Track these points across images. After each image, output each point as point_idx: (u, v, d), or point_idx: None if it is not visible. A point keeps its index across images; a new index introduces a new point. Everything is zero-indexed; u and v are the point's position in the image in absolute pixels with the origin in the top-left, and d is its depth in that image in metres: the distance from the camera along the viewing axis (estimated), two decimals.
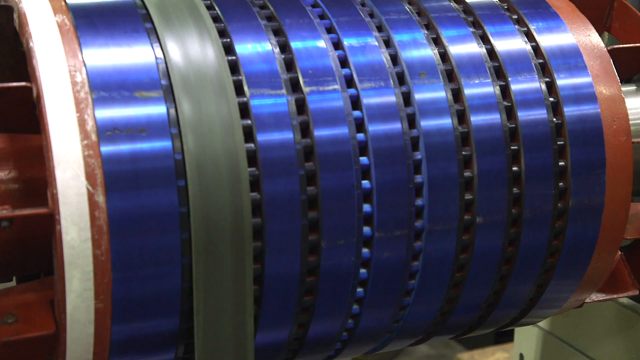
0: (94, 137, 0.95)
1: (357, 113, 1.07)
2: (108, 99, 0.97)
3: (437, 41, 1.16)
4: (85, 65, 0.98)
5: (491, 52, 1.18)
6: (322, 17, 1.14)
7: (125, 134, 0.96)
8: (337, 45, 1.11)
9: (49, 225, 0.95)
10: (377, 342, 1.22)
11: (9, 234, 1.00)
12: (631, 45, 1.31)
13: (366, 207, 1.07)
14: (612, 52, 1.25)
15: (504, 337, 3.83)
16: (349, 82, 1.09)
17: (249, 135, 1.01)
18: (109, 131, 0.96)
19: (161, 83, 0.99)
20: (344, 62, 1.10)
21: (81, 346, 0.97)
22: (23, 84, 0.97)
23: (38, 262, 1.05)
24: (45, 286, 1.01)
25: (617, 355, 1.65)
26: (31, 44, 0.98)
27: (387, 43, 1.14)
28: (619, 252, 1.34)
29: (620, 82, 1.23)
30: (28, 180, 1.02)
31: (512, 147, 1.14)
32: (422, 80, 1.11)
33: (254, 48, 1.06)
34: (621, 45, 1.30)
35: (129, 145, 0.96)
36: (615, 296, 1.36)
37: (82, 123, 0.95)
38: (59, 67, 0.97)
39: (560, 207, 1.18)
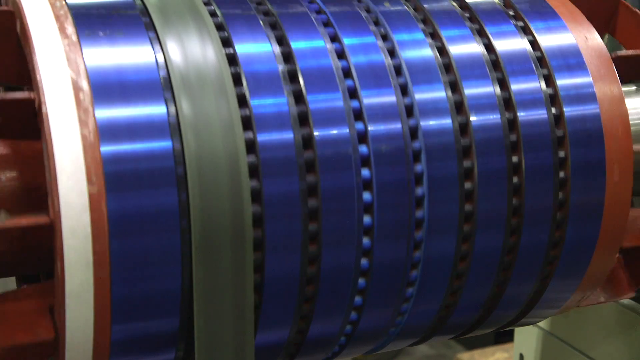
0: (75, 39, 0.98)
1: (356, 113, 1.07)
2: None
3: (436, 41, 1.16)
4: (72, 12, 1.01)
5: (491, 52, 1.18)
6: (322, 16, 1.14)
7: (105, 37, 1.00)
8: (337, 45, 1.11)
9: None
10: (378, 340, 1.22)
11: None
12: (636, 52, 1.30)
13: (366, 205, 1.07)
14: (616, 60, 1.24)
15: (504, 337, 3.83)
16: (349, 81, 1.09)
17: (249, 134, 1.01)
18: (88, 31, 0.99)
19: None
20: (343, 62, 1.10)
21: (78, 240, 0.94)
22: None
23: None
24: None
25: (617, 355, 1.65)
26: (25, 20, 0.99)
27: (387, 43, 1.14)
28: (617, 255, 1.34)
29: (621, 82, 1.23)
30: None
31: (512, 147, 1.14)
32: (387, 7, 1.15)
33: (254, 48, 1.06)
34: (626, 53, 1.29)
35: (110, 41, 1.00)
36: (613, 299, 1.36)
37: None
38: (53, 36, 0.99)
39: (560, 207, 1.18)
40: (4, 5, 1.08)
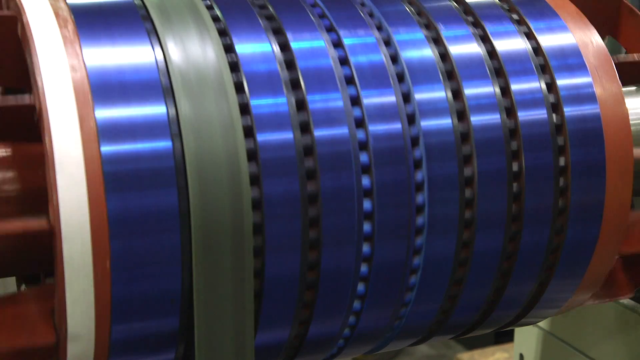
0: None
1: (357, 113, 1.07)
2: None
3: (437, 41, 1.16)
4: (72, 12, 1.01)
5: (491, 52, 1.17)
6: (322, 16, 1.14)
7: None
8: (337, 45, 1.11)
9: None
10: (377, 341, 1.22)
11: None
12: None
13: (366, 205, 1.07)
14: (619, 67, 1.24)
15: (504, 337, 3.84)
16: (349, 81, 1.09)
17: (249, 135, 1.01)
18: (88, 31, 1.00)
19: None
20: (344, 62, 1.10)
21: (78, 241, 0.94)
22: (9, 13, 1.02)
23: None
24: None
25: (617, 355, 1.65)
26: (25, 20, 1.00)
27: (387, 43, 1.14)
28: (617, 256, 1.34)
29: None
30: None
31: (512, 147, 1.14)
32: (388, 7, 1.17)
33: (254, 48, 1.06)
34: (629, 60, 1.29)
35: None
36: (611, 299, 1.36)
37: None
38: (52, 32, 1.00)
39: (561, 207, 1.18)
40: (5, 8, 1.08)
